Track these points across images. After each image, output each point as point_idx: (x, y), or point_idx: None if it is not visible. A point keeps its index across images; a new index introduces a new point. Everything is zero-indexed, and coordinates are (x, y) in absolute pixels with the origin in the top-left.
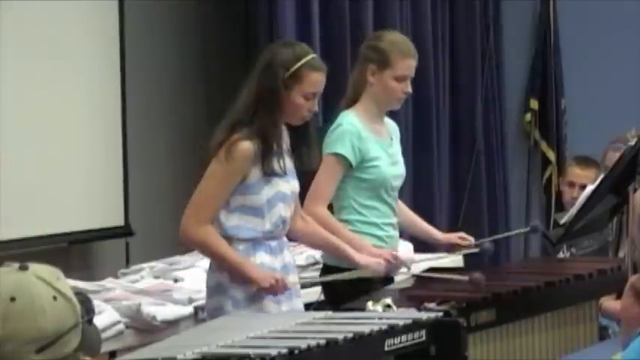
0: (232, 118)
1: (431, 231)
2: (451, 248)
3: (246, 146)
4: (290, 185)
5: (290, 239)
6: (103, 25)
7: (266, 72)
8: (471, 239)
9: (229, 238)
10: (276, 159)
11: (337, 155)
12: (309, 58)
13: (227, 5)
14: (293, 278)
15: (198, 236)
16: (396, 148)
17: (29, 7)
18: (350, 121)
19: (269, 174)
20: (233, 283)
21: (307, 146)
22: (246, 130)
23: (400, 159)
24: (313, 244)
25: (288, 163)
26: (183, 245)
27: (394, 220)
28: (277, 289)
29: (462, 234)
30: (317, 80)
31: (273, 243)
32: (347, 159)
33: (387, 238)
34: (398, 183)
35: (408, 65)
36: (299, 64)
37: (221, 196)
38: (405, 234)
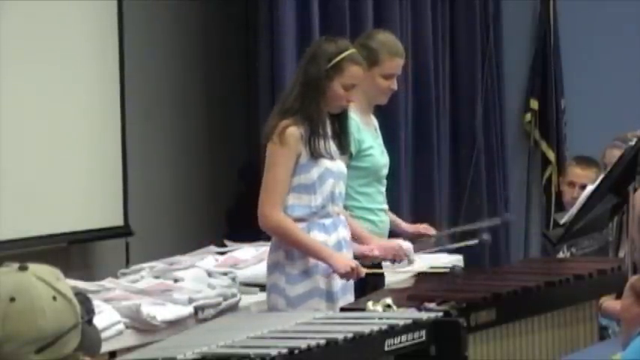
0: (282, 106)
1: (397, 221)
2: (416, 238)
3: (294, 130)
4: (336, 164)
5: None
6: (101, 25)
7: (311, 63)
8: (434, 231)
9: None
10: (322, 142)
11: None
12: (350, 51)
13: (227, 5)
14: (347, 253)
15: (275, 222)
16: (380, 138)
17: (28, 8)
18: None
19: (316, 156)
20: (288, 260)
21: (345, 133)
22: (293, 116)
23: (384, 149)
24: None
25: (332, 146)
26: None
27: (385, 207)
28: (352, 275)
29: (426, 225)
30: (356, 72)
31: (327, 221)
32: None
33: (379, 222)
34: (386, 171)
35: (395, 64)
36: (341, 56)
37: (286, 179)
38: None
